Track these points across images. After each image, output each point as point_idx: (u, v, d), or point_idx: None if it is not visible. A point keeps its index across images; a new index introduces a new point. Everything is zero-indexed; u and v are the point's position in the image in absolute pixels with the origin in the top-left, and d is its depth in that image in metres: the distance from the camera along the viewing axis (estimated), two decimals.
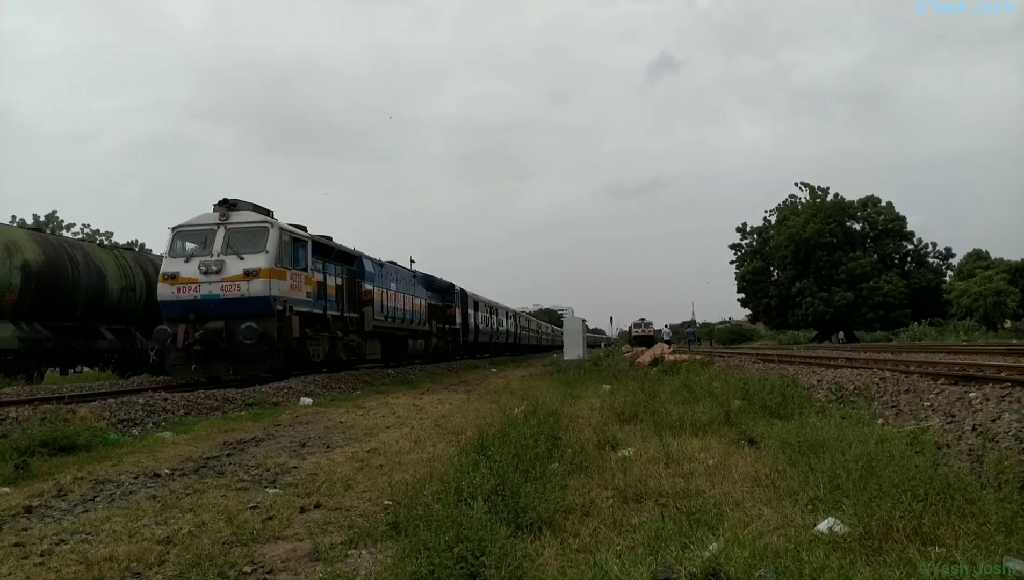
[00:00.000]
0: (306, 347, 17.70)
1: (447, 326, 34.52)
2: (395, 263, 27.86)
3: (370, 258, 23.80)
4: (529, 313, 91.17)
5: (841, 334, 59.22)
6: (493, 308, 49.05)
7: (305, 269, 17.60)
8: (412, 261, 34.22)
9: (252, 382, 16.05)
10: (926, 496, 4.17)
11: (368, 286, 22.55)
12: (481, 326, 43.56)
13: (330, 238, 20.56)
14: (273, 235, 16.04)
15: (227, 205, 16.31)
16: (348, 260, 21.70)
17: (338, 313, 20.02)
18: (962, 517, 4.00)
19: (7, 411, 9.19)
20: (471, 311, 40.36)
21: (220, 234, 15.90)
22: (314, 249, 18.54)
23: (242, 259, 15.58)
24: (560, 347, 73.46)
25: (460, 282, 44.50)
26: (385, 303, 24.26)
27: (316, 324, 18.48)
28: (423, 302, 30.10)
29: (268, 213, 17.09)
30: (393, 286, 25.75)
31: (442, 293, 34.66)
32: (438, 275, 35.58)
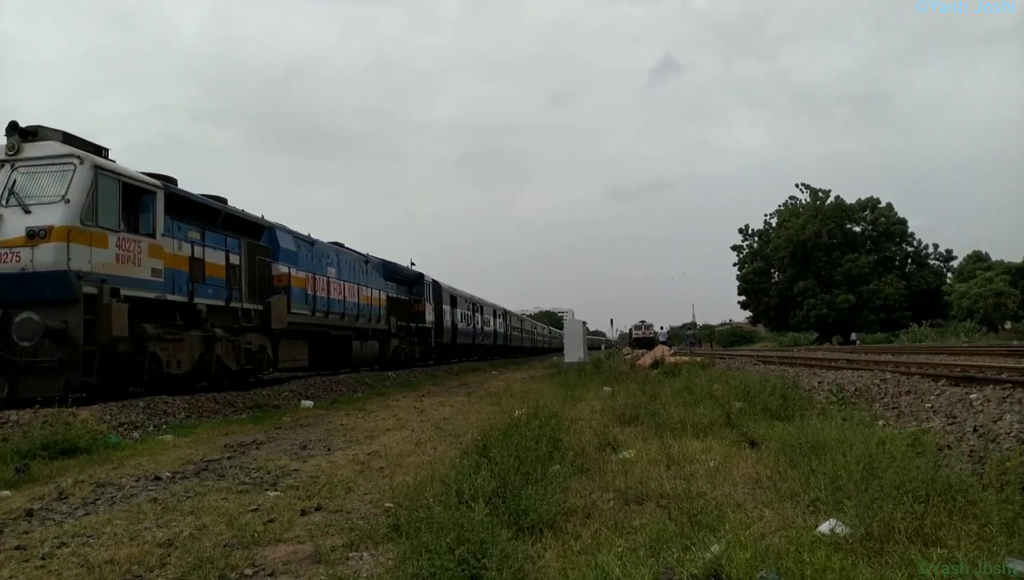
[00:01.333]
0: (148, 352, 12.12)
1: (414, 325, 29.01)
2: (341, 244, 22.86)
3: (291, 232, 18.49)
4: (529, 315, 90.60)
5: (855, 337, 58.43)
6: (476, 305, 43.20)
7: (151, 234, 12.13)
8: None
9: (252, 385, 16.05)
10: (927, 497, 4.16)
11: (284, 268, 17.13)
12: (461, 325, 37.84)
13: (225, 201, 15.45)
14: (82, 177, 10.56)
15: (21, 133, 10.83)
16: (250, 231, 16.13)
17: (222, 303, 14.39)
18: (964, 518, 3.99)
19: (8, 414, 9.18)
20: (447, 307, 34.71)
21: (3, 175, 10.57)
22: (181, 209, 13.41)
23: (28, 213, 10.28)
24: (558, 350, 73.10)
25: (462, 283, 41.90)
26: (315, 293, 18.86)
27: (174, 317, 13.00)
28: (379, 294, 24.52)
29: (92, 148, 11.51)
30: (331, 272, 20.60)
31: (408, 284, 29.29)
32: (404, 263, 30.35)
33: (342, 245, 23.06)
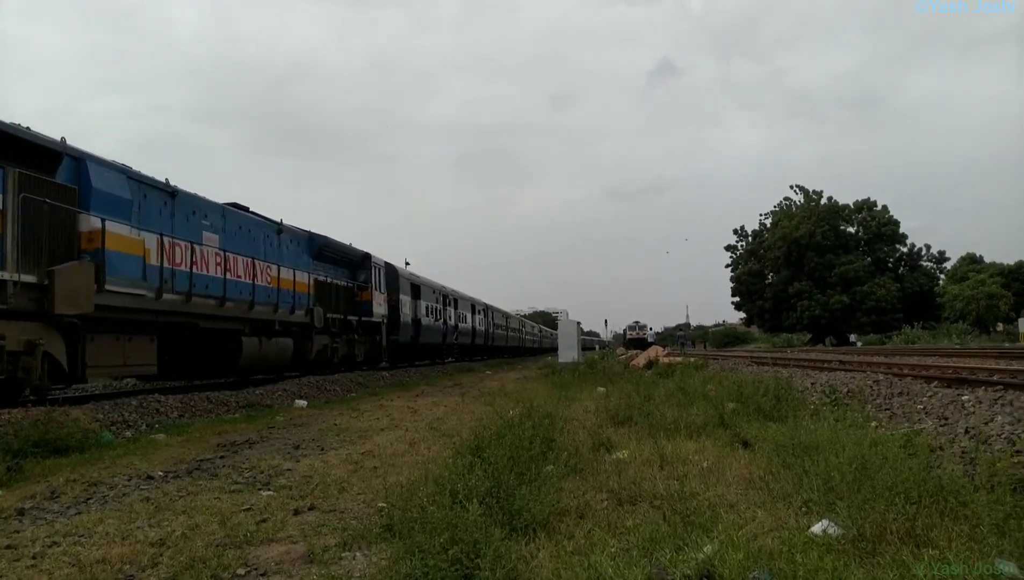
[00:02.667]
0: None
1: (356, 318, 23.11)
2: (239, 205, 17.20)
3: (122, 170, 12.56)
4: (523, 315, 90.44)
5: (854, 338, 58.12)
6: (448, 298, 36.81)
7: None
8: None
9: (246, 384, 16.01)
10: (919, 498, 4.18)
11: (97, 221, 11.26)
12: (426, 320, 31.63)
13: None
14: None
15: None
16: (31, 158, 10.54)
17: None
18: (955, 519, 4.01)
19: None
20: (406, 298, 28.68)
21: None
22: None
23: None
24: (549, 350, 72.85)
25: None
26: (170, 264, 13.20)
27: None
28: (299, 276, 18.69)
29: None
30: (210, 238, 14.96)
31: (350, 267, 23.73)
32: (349, 242, 24.15)
33: (241, 206, 17.26)
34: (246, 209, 17.43)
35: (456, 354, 39.21)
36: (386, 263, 26.87)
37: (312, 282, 19.82)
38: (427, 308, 31.98)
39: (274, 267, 17.48)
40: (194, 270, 13.96)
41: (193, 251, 13.99)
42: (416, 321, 30.25)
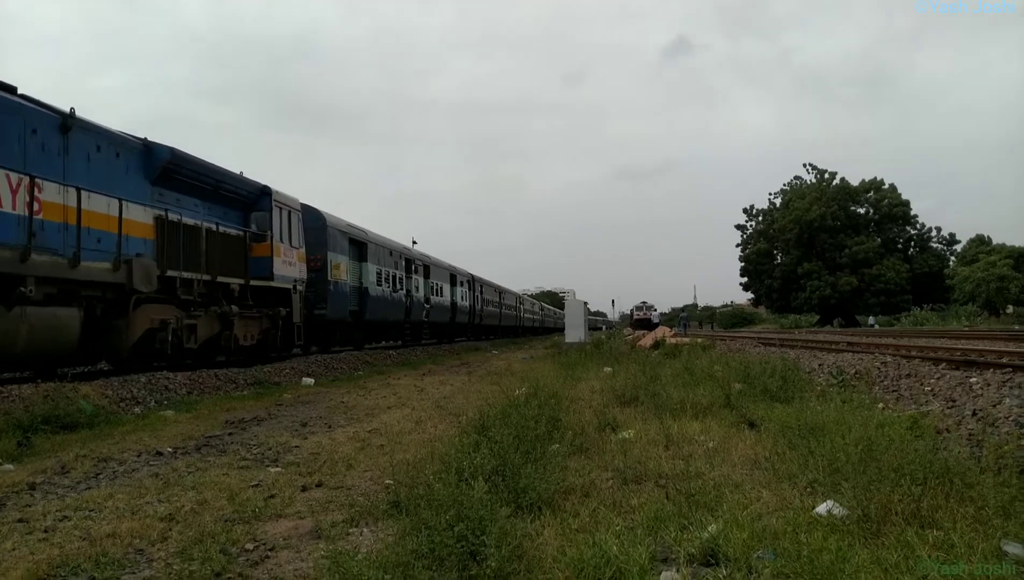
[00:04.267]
0: None
1: (241, 283, 15.38)
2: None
3: None
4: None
5: (873, 321, 57.26)
6: (415, 264, 29.30)
7: None
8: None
9: (254, 361, 16.10)
10: (925, 480, 4.18)
11: None
12: (377, 291, 24.13)
13: None
14: None
15: None
16: None
17: None
18: (961, 501, 4.01)
19: (10, 389, 9.22)
20: (341, 259, 21.08)
21: None
22: None
23: None
24: (552, 331, 72.58)
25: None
26: None
27: None
28: (126, 210, 11.77)
29: None
30: None
31: (238, 208, 16.04)
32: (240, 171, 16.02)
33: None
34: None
35: (428, 334, 31.72)
36: (306, 207, 18.70)
37: (152, 222, 12.60)
38: (379, 274, 24.34)
39: (39, 184, 9.93)
40: None
41: None
42: (360, 290, 22.84)
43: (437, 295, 33.00)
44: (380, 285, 24.83)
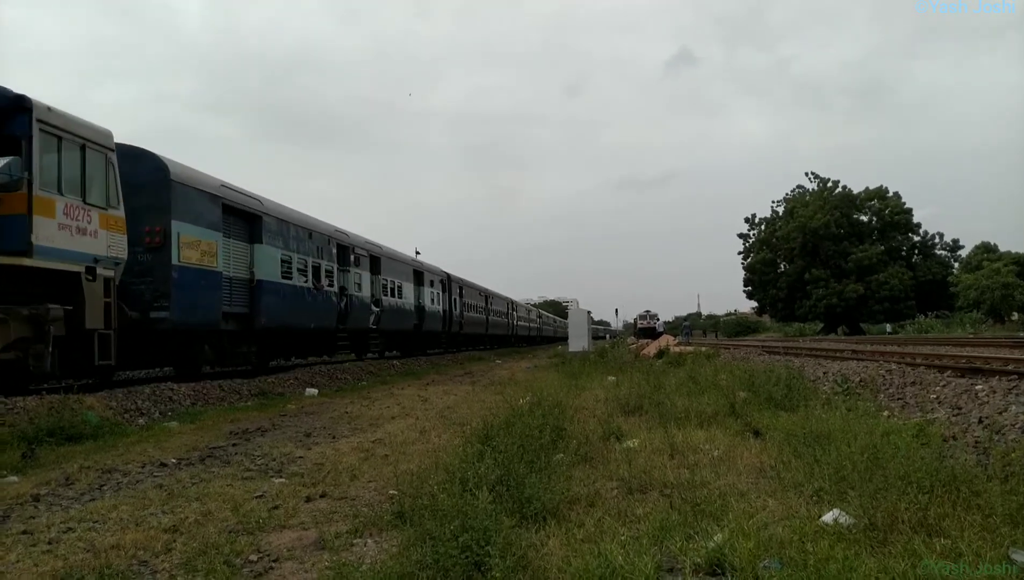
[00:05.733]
0: None
1: None
2: None
3: None
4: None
5: (890, 329, 56.80)
6: (353, 253, 22.05)
7: None
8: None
9: (258, 373, 16.11)
10: (932, 488, 4.16)
11: None
12: (287, 288, 17.41)
13: None
14: None
15: None
16: None
17: None
18: (968, 509, 3.98)
19: (15, 401, 9.23)
20: (215, 239, 14.31)
21: None
22: None
23: None
24: (551, 340, 71.90)
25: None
26: None
27: None
28: None
29: None
30: None
31: None
32: None
33: None
34: None
35: (380, 345, 25.29)
36: (133, 150, 12.88)
37: None
38: (286, 263, 17.28)
39: None
40: None
41: None
42: (250, 284, 15.75)
43: (393, 296, 25.80)
44: (289, 278, 17.46)
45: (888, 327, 56.68)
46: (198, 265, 13.60)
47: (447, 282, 33.86)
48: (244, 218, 15.92)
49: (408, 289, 27.82)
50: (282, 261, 17.28)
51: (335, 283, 20.58)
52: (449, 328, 34.09)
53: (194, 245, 13.56)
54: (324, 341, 20.90)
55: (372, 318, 23.62)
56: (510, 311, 52.73)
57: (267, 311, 16.32)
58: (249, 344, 16.32)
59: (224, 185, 15.20)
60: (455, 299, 35.21)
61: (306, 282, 18.55)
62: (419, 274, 29.57)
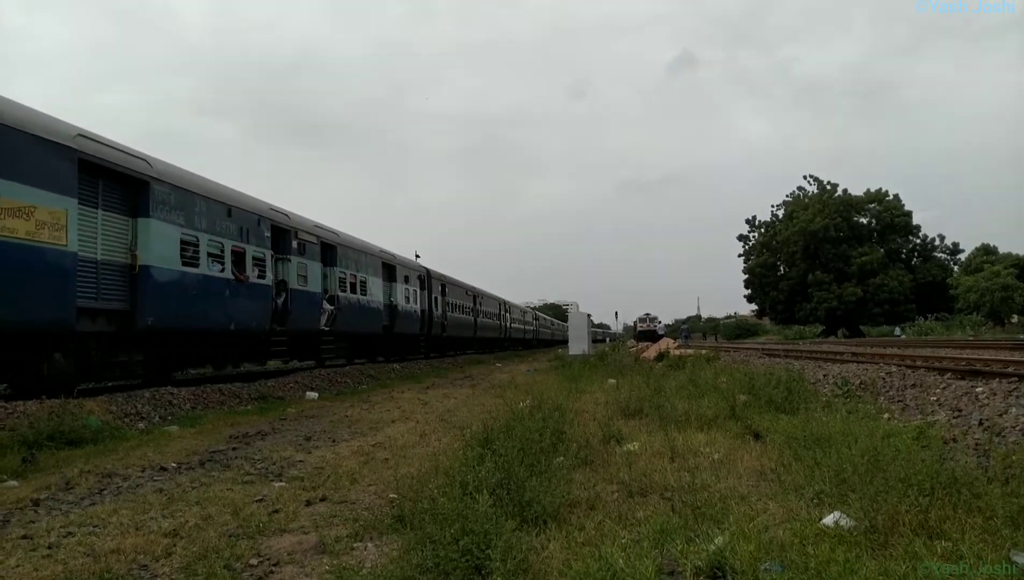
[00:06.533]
0: None
1: None
2: None
3: None
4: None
5: (899, 331, 56.61)
6: (301, 242, 18.36)
7: None
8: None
9: (258, 376, 16.10)
10: (932, 490, 4.15)
11: None
12: (185, 275, 13.35)
13: None
14: None
15: None
16: None
17: None
18: (969, 511, 3.98)
19: (15, 405, 9.23)
20: (14, 193, 9.48)
21: None
22: None
23: None
24: (549, 344, 71.56)
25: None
26: None
27: None
28: None
29: None
30: None
31: None
32: None
33: None
34: None
35: (336, 351, 21.36)
36: None
37: None
38: (183, 242, 13.44)
39: None
40: None
41: None
42: (123, 269, 12.11)
43: (354, 292, 21.83)
44: (195, 265, 13.66)
45: (898, 330, 56.44)
46: (28, 241, 9.77)
47: (426, 278, 30.34)
48: (122, 183, 12.07)
49: (375, 285, 23.81)
50: (183, 243, 13.34)
51: (268, 274, 16.35)
52: (429, 330, 30.39)
53: (20, 212, 9.71)
54: (252, 346, 16.58)
55: (324, 318, 19.55)
56: (502, 312, 49.13)
57: (157, 307, 12.53)
58: (131, 351, 12.53)
59: (84, 135, 11.27)
60: (436, 298, 31.53)
61: (222, 271, 14.56)
62: (390, 268, 25.66)
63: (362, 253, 23.10)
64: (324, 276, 19.92)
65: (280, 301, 17.01)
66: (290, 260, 17.59)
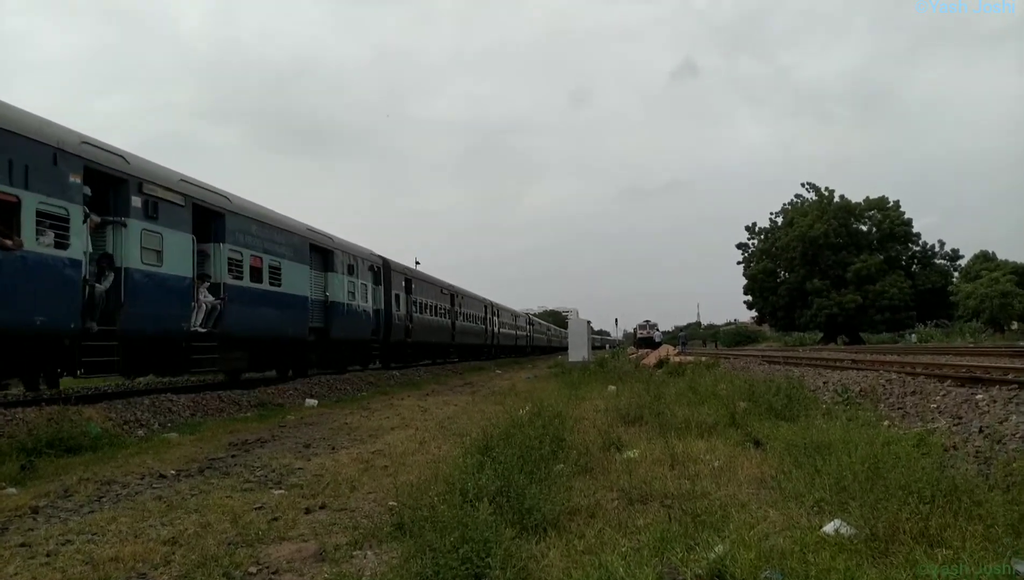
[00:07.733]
0: None
1: None
2: None
3: None
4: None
5: (914, 336, 56.45)
6: (149, 200, 11.95)
7: None
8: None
9: (257, 383, 16.08)
10: (933, 498, 4.15)
11: None
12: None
13: None
14: None
15: None
16: None
17: None
18: (969, 519, 3.98)
19: (14, 412, 9.22)
20: None
21: None
22: None
23: None
24: (546, 350, 71.34)
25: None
26: None
27: None
28: None
29: None
30: None
31: None
32: None
33: None
34: None
35: (231, 365, 15.78)
36: None
37: None
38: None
39: None
40: None
41: None
42: None
43: (259, 282, 15.85)
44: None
45: (913, 337, 56.02)
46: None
47: (383, 271, 24.43)
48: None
49: (299, 274, 17.84)
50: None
51: (79, 248, 10.50)
52: (387, 335, 24.46)
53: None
54: (45, 353, 10.81)
55: (199, 316, 13.69)
56: (488, 316, 43.22)
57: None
58: None
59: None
60: (397, 295, 25.73)
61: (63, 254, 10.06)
62: (325, 253, 19.76)
63: (275, 229, 16.92)
64: (199, 257, 13.82)
65: (99, 289, 11.08)
66: (126, 226, 11.62)
